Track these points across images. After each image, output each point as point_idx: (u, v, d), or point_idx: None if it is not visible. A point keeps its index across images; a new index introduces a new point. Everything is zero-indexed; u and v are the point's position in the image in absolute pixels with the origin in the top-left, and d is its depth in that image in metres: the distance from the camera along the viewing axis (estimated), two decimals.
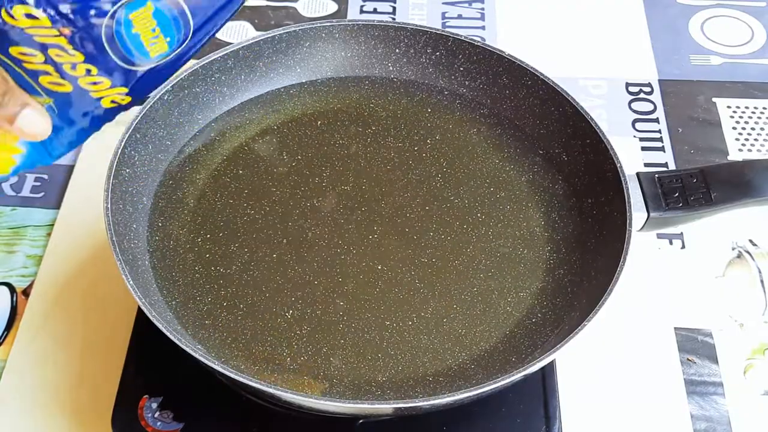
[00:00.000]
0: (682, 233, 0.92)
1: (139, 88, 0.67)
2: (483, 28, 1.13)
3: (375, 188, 0.82)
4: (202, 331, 0.73)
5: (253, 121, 0.87)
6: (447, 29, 0.89)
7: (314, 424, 0.73)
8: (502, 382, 0.66)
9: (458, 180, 0.83)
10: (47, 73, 0.64)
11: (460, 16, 1.15)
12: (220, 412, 0.75)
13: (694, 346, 0.84)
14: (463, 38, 0.88)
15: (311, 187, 0.82)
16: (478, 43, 0.88)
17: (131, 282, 0.69)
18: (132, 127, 0.79)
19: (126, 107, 0.69)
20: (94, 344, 0.82)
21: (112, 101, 0.67)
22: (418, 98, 0.90)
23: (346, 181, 0.83)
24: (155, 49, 0.66)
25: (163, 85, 0.82)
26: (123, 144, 0.78)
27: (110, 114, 0.69)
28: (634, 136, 1.02)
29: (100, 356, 0.81)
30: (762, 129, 1.03)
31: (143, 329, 0.79)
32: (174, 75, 0.82)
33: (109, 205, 0.73)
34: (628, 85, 1.08)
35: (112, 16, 0.62)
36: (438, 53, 0.89)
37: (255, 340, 0.72)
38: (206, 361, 0.65)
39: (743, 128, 1.03)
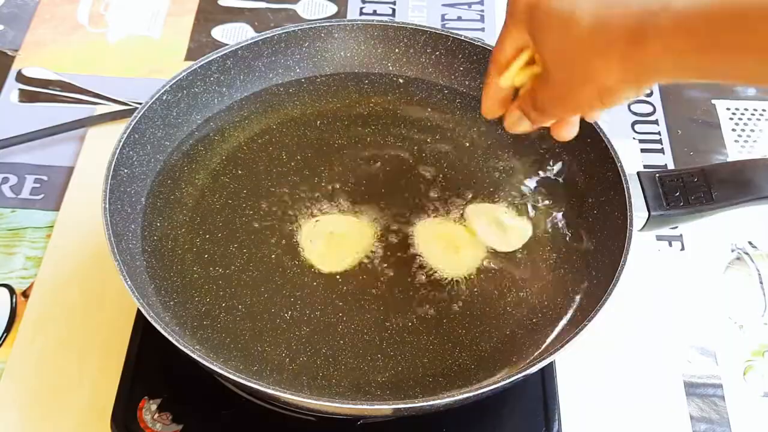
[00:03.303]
0: (681, 235, 0.92)
1: None
2: (482, 30, 1.13)
3: (375, 188, 0.82)
4: (201, 331, 0.73)
5: (252, 121, 0.87)
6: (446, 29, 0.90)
7: (314, 424, 0.73)
8: (502, 383, 0.66)
9: (459, 179, 0.83)
10: None
11: (459, 18, 1.15)
12: (220, 414, 0.75)
13: (694, 347, 0.84)
14: (463, 38, 0.88)
15: (310, 187, 0.82)
16: (478, 43, 0.88)
17: (129, 282, 0.68)
18: (130, 128, 0.79)
19: None
20: (93, 345, 0.81)
21: None
22: (418, 97, 0.90)
23: (345, 182, 0.83)
24: None
25: (161, 86, 0.82)
26: (121, 144, 0.78)
27: None
28: (634, 138, 1.01)
29: (100, 357, 0.80)
30: (761, 131, 1.03)
31: (142, 330, 0.79)
32: (173, 75, 0.83)
33: (107, 206, 0.73)
34: None
35: None
36: (438, 53, 0.89)
37: (254, 340, 0.72)
38: (205, 362, 0.65)
39: (743, 130, 1.03)
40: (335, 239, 0.78)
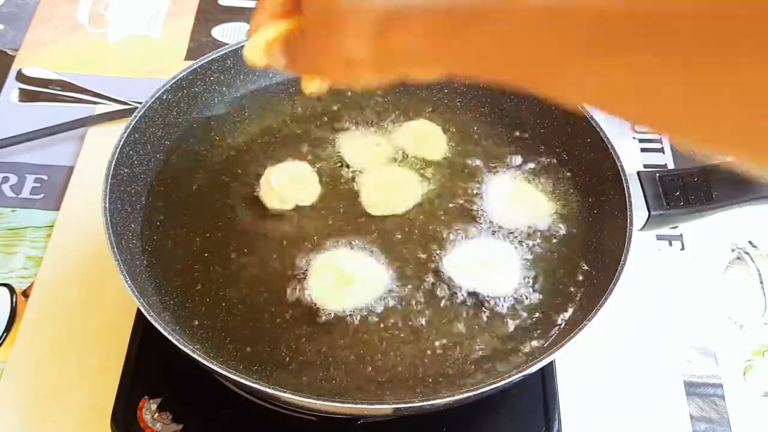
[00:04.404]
0: (681, 235, 0.92)
1: None
2: None
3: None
4: (201, 331, 0.73)
5: (252, 121, 0.87)
6: None
7: (314, 424, 0.73)
8: (502, 382, 0.66)
9: (459, 178, 0.83)
10: None
11: None
12: (220, 413, 0.75)
13: (694, 347, 0.84)
14: None
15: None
16: None
17: (129, 282, 0.68)
18: (130, 127, 0.79)
19: None
20: (93, 345, 0.81)
21: None
22: (419, 96, 0.90)
23: (347, 181, 0.82)
24: None
25: (161, 85, 0.82)
26: (121, 144, 0.78)
27: None
28: (634, 138, 1.01)
29: (100, 357, 0.80)
30: None
31: (142, 330, 0.79)
32: (173, 75, 0.83)
33: (107, 205, 0.73)
34: None
35: None
36: None
37: (254, 340, 0.72)
38: (205, 362, 0.65)
39: None
40: (342, 277, 0.76)
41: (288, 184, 0.81)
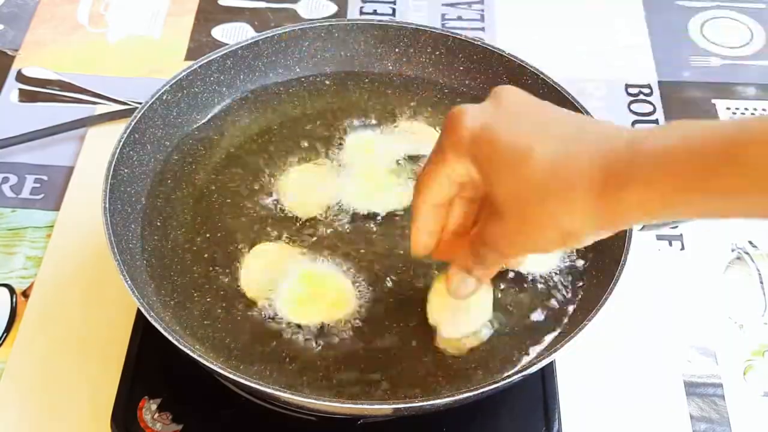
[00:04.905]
0: (681, 235, 0.92)
1: None
2: (483, 29, 1.13)
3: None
4: (201, 331, 0.72)
5: (252, 121, 0.87)
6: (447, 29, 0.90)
7: (314, 424, 0.73)
8: (502, 383, 0.66)
9: None
10: None
11: (459, 18, 1.15)
12: (220, 414, 0.75)
13: (694, 347, 0.84)
14: (463, 38, 0.88)
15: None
16: (479, 42, 0.88)
17: (129, 282, 0.68)
18: (130, 128, 0.79)
19: None
20: (93, 345, 0.81)
21: None
22: (419, 97, 0.90)
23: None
24: None
25: (161, 85, 0.82)
26: (121, 144, 0.78)
27: None
28: None
29: (100, 357, 0.80)
30: None
31: (142, 330, 0.79)
32: (173, 75, 0.83)
33: (107, 205, 0.73)
34: (627, 86, 1.07)
35: None
36: (438, 52, 0.89)
37: (254, 340, 0.72)
38: (205, 362, 0.65)
39: None
40: (315, 292, 0.75)
41: (300, 192, 0.81)
